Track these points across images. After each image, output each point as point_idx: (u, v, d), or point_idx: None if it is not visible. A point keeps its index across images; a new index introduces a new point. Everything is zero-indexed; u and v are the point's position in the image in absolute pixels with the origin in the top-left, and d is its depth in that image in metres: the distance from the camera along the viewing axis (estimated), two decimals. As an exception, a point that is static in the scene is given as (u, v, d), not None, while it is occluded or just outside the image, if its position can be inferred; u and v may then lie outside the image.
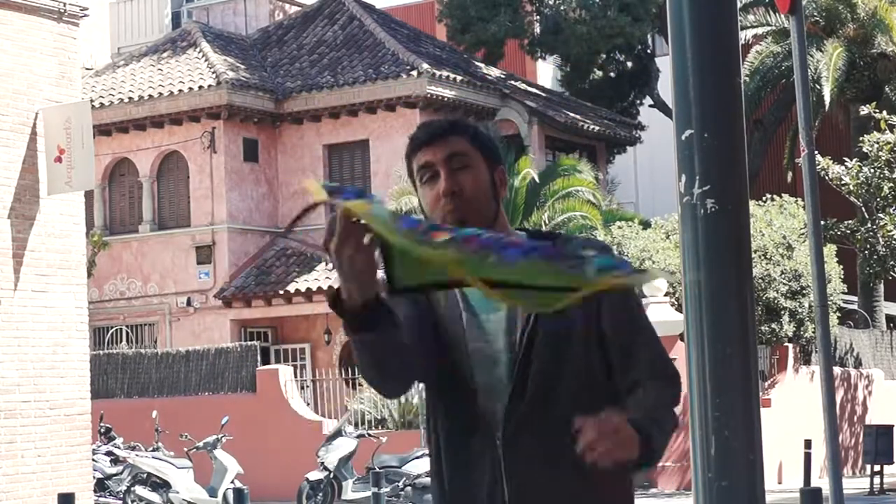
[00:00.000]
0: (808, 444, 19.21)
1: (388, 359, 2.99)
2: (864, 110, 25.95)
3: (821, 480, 18.67)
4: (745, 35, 29.25)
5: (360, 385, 24.60)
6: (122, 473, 18.70)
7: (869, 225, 25.83)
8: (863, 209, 26.12)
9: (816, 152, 13.65)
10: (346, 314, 2.86)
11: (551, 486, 3.11)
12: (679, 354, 21.48)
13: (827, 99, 28.31)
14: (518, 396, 3.11)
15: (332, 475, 18.85)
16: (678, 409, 3.20)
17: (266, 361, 26.68)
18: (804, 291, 23.67)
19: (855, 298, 30.19)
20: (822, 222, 17.06)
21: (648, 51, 37.68)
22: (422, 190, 3.16)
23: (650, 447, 3.00)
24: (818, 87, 28.01)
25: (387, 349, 2.95)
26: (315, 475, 18.91)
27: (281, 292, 28.12)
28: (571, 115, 32.90)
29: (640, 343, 3.22)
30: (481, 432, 3.12)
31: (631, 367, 3.17)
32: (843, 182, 25.26)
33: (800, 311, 24.08)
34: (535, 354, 3.11)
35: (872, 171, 25.12)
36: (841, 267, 25.16)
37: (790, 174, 31.24)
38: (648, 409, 3.08)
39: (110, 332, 29.42)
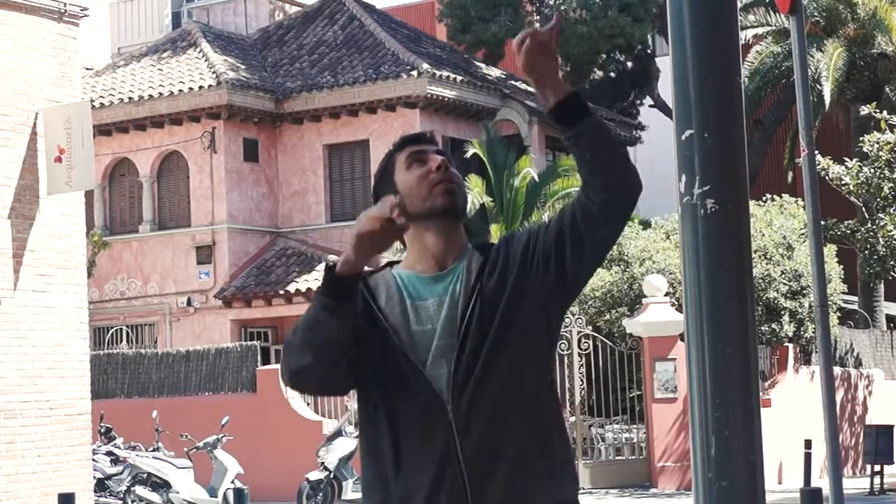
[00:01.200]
0: (808, 444, 19.20)
1: (336, 342, 3.20)
2: (865, 110, 25.95)
3: (821, 480, 18.67)
4: (745, 35, 29.25)
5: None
6: (122, 473, 18.69)
7: (869, 225, 25.83)
8: (863, 209, 26.12)
9: (816, 152, 13.66)
10: (339, 279, 3.17)
11: (503, 444, 3.27)
12: (679, 354, 21.50)
13: (827, 99, 28.30)
14: (463, 362, 3.27)
15: (332, 475, 18.85)
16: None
17: (266, 361, 26.67)
18: (804, 291, 23.67)
19: (855, 298, 30.19)
20: (822, 222, 17.06)
21: (648, 51, 37.68)
22: (406, 175, 3.42)
23: (579, 96, 3.34)
24: (818, 87, 28.00)
25: (343, 329, 3.20)
26: (315, 475, 18.91)
27: (281, 292, 28.12)
28: (571, 115, 32.86)
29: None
30: (431, 406, 3.27)
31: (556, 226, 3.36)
32: (843, 182, 25.26)
33: (800, 311, 24.08)
34: (476, 320, 3.29)
35: (872, 171, 25.11)
36: (841, 267, 25.15)
37: (790, 174, 31.25)
38: None
39: (110, 332, 29.42)
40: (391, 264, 3.48)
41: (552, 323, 3.39)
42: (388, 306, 3.36)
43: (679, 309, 21.00)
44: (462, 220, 3.43)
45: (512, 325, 3.31)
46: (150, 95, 29.69)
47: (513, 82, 33.75)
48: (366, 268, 3.27)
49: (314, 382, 3.37)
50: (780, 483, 22.39)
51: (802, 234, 23.53)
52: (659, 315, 22.04)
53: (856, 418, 26.21)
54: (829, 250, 23.92)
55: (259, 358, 24.63)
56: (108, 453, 19.33)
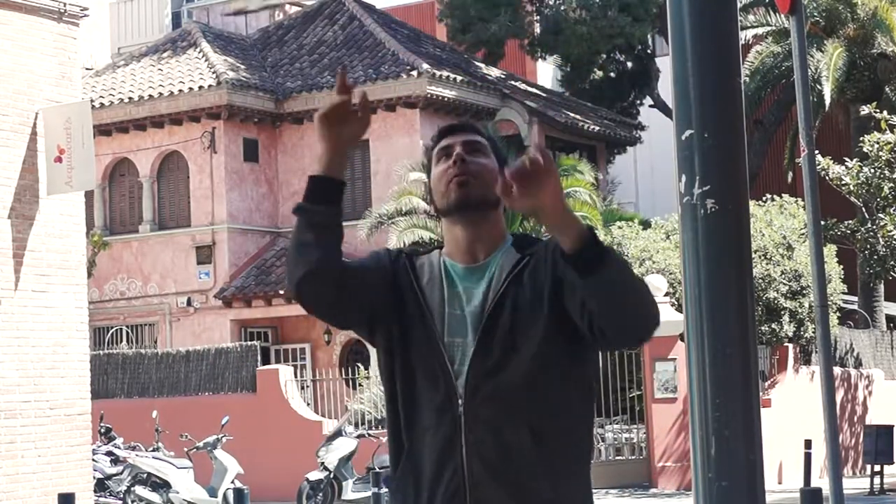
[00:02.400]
0: (808, 444, 19.19)
1: (323, 251, 3.27)
2: (865, 110, 25.94)
3: (821, 480, 18.67)
4: (745, 35, 29.23)
5: (360, 385, 24.62)
6: (122, 473, 18.69)
7: (869, 225, 25.82)
8: (863, 209, 26.12)
9: (816, 152, 13.66)
10: (319, 178, 3.25)
11: (505, 461, 3.23)
12: (679, 354, 21.49)
13: (827, 99, 28.30)
14: (479, 357, 3.26)
15: (332, 475, 18.85)
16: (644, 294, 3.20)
17: (266, 361, 26.68)
18: (804, 291, 23.66)
19: (855, 298, 30.18)
20: (822, 222, 17.06)
21: (648, 51, 37.67)
22: (435, 170, 3.39)
23: (594, 236, 3.06)
24: (818, 87, 28.00)
25: (327, 238, 3.27)
26: (315, 475, 18.91)
27: (281, 292, 28.11)
28: (571, 115, 32.90)
29: None
30: (446, 394, 3.26)
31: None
32: (843, 182, 25.26)
33: (800, 311, 24.07)
34: (499, 317, 3.27)
35: (872, 171, 25.11)
36: (841, 267, 25.14)
37: (790, 174, 31.23)
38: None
39: (110, 332, 29.42)
40: (440, 247, 3.46)
41: (575, 350, 3.29)
42: (429, 287, 3.36)
43: (679, 309, 21.00)
44: (489, 210, 3.34)
45: (528, 339, 3.26)
46: (150, 95, 29.69)
47: (513, 82, 33.75)
48: (414, 248, 3.31)
49: (315, 299, 3.34)
50: (780, 483, 22.39)
51: (802, 234, 23.53)
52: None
53: (856, 418, 26.21)
54: (829, 250, 23.91)
55: (259, 358, 24.64)
56: (108, 453, 19.33)
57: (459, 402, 3.25)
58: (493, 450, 3.23)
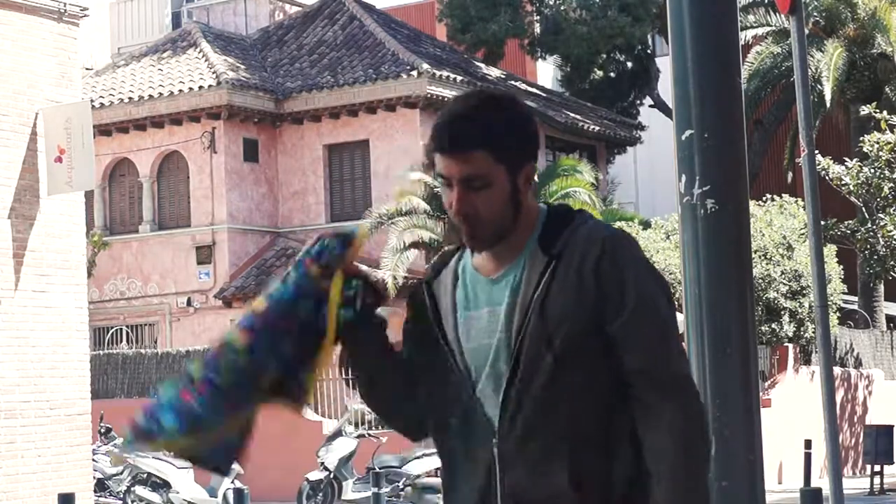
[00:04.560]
0: (808, 444, 19.19)
1: (384, 380, 3.06)
2: (865, 110, 25.94)
3: (821, 480, 18.66)
4: (745, 35, 29.22)
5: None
6: (122, 473, 18.69)
7: (869, 225, 25.82)
8: (863, 209, 26.12)
9: (816, 152, 13.65)
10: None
11: (544, 489, 2.90)
12: (679, 354, 21.47)
13: (827, 99, 28.29)
14: (514, 393, 2.90)
15: (332, 475, 18.83)
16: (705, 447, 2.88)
17: (266, 361, 26.64)
18: (804, 291, 23.66)
19: (855, 298, 30.17)
20: (822, 222, 17.05)
21: (648, 51, 37.67)
22: (440, 188, 2.97)
23: None
24: (818, 87, 27.99)
25: (381, 368, 3.06)
26: (315, 475, 18.90)
27: (281, 292, 28.10)
28: (571, 115, 32.90)
29: (644, 323, 2.89)
30: (479, 432, 2.94)
31: (627, 350, 2.86)
32: (843, 182, 25.26)
33: (800, 311, 24.07)
34: (530, 352, 2.88)
35: (872, 171, 25.11)
36: (841, 267, 25.14)
37: (790, 174, 31.22)
38: None
39: (110, 332, 29.41)
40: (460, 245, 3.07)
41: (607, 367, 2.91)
42: (444, 313, 3.00)
43: (679, 309, 20.99)
44: (505, 238, 2.94)
45: (568, 358, 2.87)
46: (150, 95, 29.69)
47: (513, 82, 33.74)
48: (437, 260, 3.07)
49: (401, 423, 3.19)
50: (780, 483, 22.38)
51: (802, 234, 23.52)
52: (659, 315, 22.01)
53: (856, 418, 26.21)
54: (829, 250, 23.90)
55: (259, 358, 24.59)
56: (108, 453, 19.33)
57: (494, 441, 2.94)
58: (528, 486, 3.00)
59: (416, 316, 3.04)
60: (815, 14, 29.91)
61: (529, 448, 2.89)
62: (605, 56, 36.66)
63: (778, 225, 24.35)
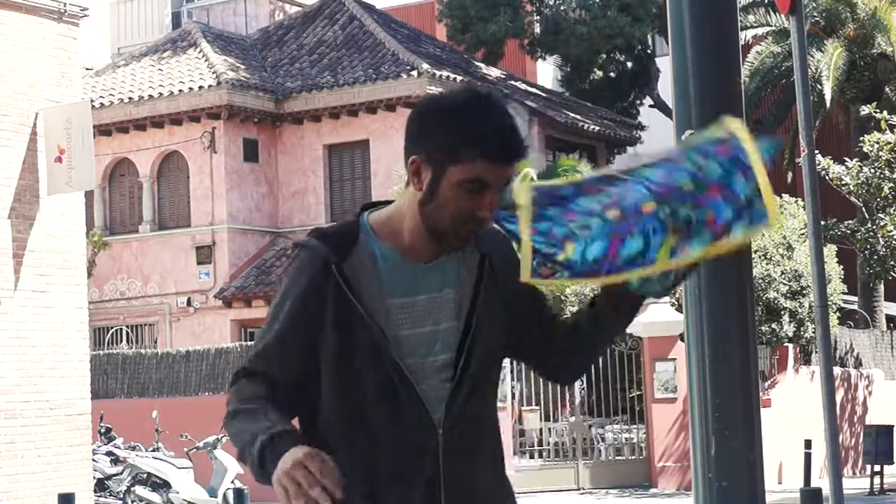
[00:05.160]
0: (808, 444, 19.19)
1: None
2: (865, 110, 25.95)
3: (821, 480, 18.66)
4: (745, 35, 29.23)
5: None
6: (122, 473, 18.68)
7: (869, 225, 25.83)
8: (863, 209, 26.12)
9: (816, 152, 13.66)
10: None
11: (476, 471, 2.94)
12: (679, 354, 21.48)
13: (827, 99, 28.30)
14: (463, 385, 2.90)
15: (332, 475, 18.82)
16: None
17: (266, 361, 26.64)
18: (804, 291, 23.66)
19: (855, 298, 30.18)
20: (822, 222, 17.06)
21: (648, 51, 37.69)
22: (454, 190, 2.83)
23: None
24: (818, 87, 28.00)
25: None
26: (315, 475, 18.88)
27: (281, 292, 28.11)
28: (571, 115, 32.91)
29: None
30: (413, 419, 2.87)
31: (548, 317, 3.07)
32: (843, 182, 25.26)
33: (800, 311, 24.07)
34: (486, 341, 2.91)
35: (872, 171, 25.12)
36: (841, 267, 25.15)
37: (790, 174, 31.23)
38: None
39: (110, 332, 29.42)
40: (352, 228, 2.96)
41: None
42: (368, 297, 2.87)
43: (679, 309, 20.99)
44: None
45: (495, 345, 2.96)
46: (150, 95, 29.69)
47: (513, 82, 33.75)
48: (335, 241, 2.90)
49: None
50: (780, 483, 22.39)
51: (802, 234, 23.53)
52: (659, 315, 22.03)
53: (856, 418, 26.21)
54: (829, 250, 23.91)
55: (259, 358, 24.60)
56: (108, 453, 19.32)
57: (439, 431, 2.93)
58: (465, 478, 3.00)
59: (326, 296, 2.87)
60: (815, 14, 29.91)
61: (470, 435, 2.91)
62: (605, 56, 36.68)
63: (778, 225, 24.37)
